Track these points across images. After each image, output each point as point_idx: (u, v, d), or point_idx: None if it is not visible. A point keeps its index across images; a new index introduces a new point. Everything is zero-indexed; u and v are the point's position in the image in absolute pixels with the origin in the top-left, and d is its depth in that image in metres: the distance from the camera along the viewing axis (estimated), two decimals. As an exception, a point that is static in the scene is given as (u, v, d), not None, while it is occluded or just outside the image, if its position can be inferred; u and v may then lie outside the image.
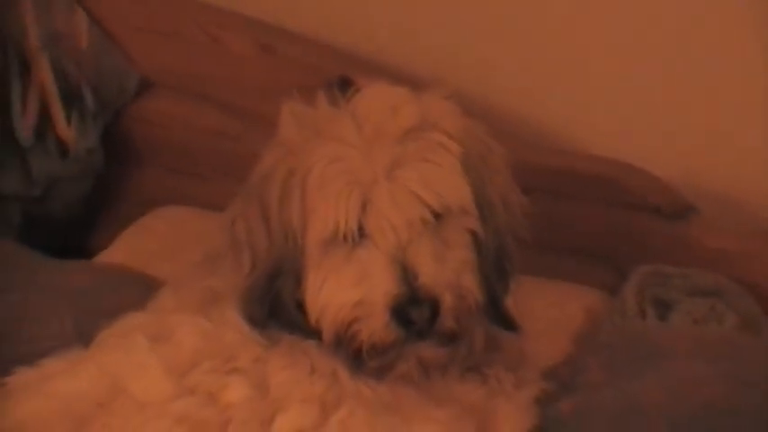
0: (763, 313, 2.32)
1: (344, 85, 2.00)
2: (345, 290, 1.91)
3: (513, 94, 2.55)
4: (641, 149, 2.48)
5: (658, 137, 2.51)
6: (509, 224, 2.02)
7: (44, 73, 2.64)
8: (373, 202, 1.89)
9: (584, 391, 2.13)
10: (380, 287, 1.88)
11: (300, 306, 1.96)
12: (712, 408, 2.08)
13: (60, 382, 1.99)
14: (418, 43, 2.58)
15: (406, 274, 1.87)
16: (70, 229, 2.72)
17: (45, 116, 2.65)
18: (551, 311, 2.25)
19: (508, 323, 2.03)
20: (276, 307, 1.98)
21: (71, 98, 2.66)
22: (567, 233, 2.32)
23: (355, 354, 1.94)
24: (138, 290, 2.22)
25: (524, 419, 2.05)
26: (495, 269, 2.00)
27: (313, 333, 1.96)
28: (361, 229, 1.90)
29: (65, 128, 2.64)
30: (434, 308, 1.88)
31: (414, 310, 1.87)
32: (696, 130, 2.51)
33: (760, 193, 2.47)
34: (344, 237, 1.90)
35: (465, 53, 2.56)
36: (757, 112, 2.46)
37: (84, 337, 2.08)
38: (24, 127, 2.63)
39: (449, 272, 1.91)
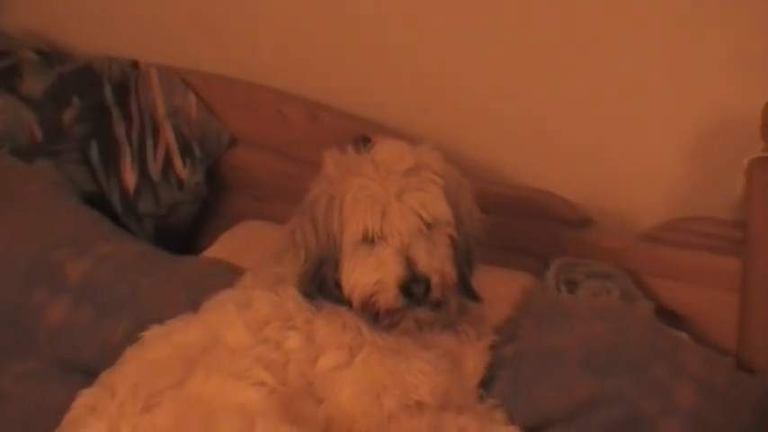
0: (636, 288, 2.31)
1: (366, 141, 2.00)
2: (368, 273, 1.90)
3: (474, 146, 2.53)
4: (556, 180, 2.47)
5: (567, 173, 2.49)
6: (473, 231, 2.01)
7: (168, 133, 2.63)
8: (388, 215, 1.89)
9: (520, 341, 2.12)
10: (392, 272, 1.88)
11: (338, 284, 1.95)
12: (603, 350, 2.07)
13: (178, 335, 1.98)
14: (415, 113, 2.58)
15: (409, 263, 1.87)
16: (185, 236, 2.70)
17: (168, 162, 2.63)
18: (499, 288, 2.22)
19: (472, 296, 2.02)
20: (321, 285, 1.96)
21: (185, 150, 2.64)
22: (509, 237, 2.29)
23: (374, 315, 1.93)
24: (229, 275, 2.20)
25: (482, 359, 2.05)
26: (465, 260, 1.99)
27: (346, 302, 1.94)
28: (379, 233, 1.90)
29: (181, 169, 2.62)
30: (427, 285, 1.88)
31: (414, 287, 1.87)
32: (592, 167, 2.49)
33: (636, 209, 2.45)
34: (369, 238, 1.90)
35: (443, 120, 2.56)
36: (637, 152, 2.45)
37: (194, 305, 2.06)
38: (155, 169, 2.62)
39: (436, 262, 1.90)
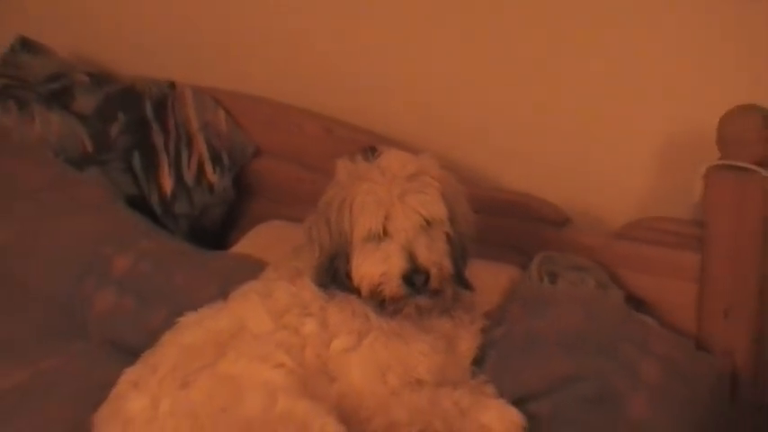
0: (608, 279, 2.29)
1: (373, 151, 1.98)
2: (376, 266, 1.88)
3: (468, 155, 2.53)
4: (539, 185, 2.46)
5: (549, 179, 2.47)
6: (467, 229, 1.99)
7: (200, 145, 2.62)
8: (392, 215, 1.87)
9: (508, 325, 2.09)
10: (396, 264, 1.86)
11: (348, 276, 1.92)
12: (579, 332, 2.05)
13: (210, 322, 1.96)
14: (417, 127, 2.56)
15: (411, 257, 1.85)
16: (215, 234, 2.68)
17: (201, 169, 2.61)
18: (489, 279, 2.19)
19: (466, 285, 1.99)
20: (334, 276, 1.94)
21: (215, 159, 2.63)
22: (498, 235, 2.26)
23: (380, 303, 1.91)
24: (254, 268, 2.17)
25: (475, 340, 2.03)
26: (460, 254, 1.96)
27: (355, 291, 1.92)
28: (384, 231, 1.88)
29: (212, 176, 2.61)
30: (427, 276, 1.86)
31: (415, 277, 1.85)
32: (571, 174, 2.48)
33: (608, 210, 2.44)
34: (375, 235, 1.88)
35: (441, 133, 2.55)
36: (610, 161, 2.44)
37: (223, 295, 2.04)
38: (189, 175, 2.61)
39: (435, 256, 1.88)
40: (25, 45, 2.89)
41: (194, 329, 1.95)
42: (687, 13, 2.25)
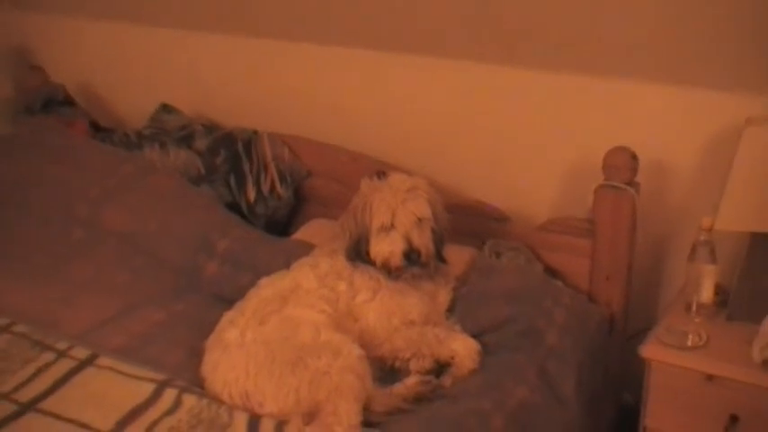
0: (534, 257, 2.19)
1: (383, 174, 1.92)
2: (386, 247, 1.83)
3: (446, 175, 2.40)
4: (489, 194, 2.34)
5: (496, 190, 2.36)
6: (444, 224, 1.93)
7: (272, 170, 2.52)
8: (397, 214, 1.82)
9: (470, 285, 2.01)
10: (399, 246, 1.81)
11: (368, 253, 1.86)
12: (515, 289, 1.97)
13: (278, 282, 1.89)
14: (412, 159, 2.44)
15: (409, 241, 1.80)
16: (282, 227, 2.55)
17: (273, 186, 2.51)
18: (457, 256, 2.09)
19: (443, 260, 1.94)
20: (358, 254, 1.87)
21: (282, 179, 2.52)
22: (462, 227, 2.14)
23: (388, 271, 1.85)
24: (307, 249, 2.09)
25: (448, 296, 1.96)
26: (439, 240, 1.90)
27: (372, 263, 1.86)
28: (392, 224, 1.82)
29: (280, 190, 2.51)
30: (419, 254, 1.81)
31: (411, 255, 1.80)
32: (509, 189, 2.37)
33: (534, 211, 2.33)
34: (385, 228, 1.82)
35: (429, 162, 2.43)
36: (535, 179, 2.33)
37: (287, 265, 1.97)
38: (265, 189, 2.51)
39: (424, 241, 1.83)
40: (165, 108, 2.83)
41: (268, 287, 1.88)
42: (588, 86, 2.19)
